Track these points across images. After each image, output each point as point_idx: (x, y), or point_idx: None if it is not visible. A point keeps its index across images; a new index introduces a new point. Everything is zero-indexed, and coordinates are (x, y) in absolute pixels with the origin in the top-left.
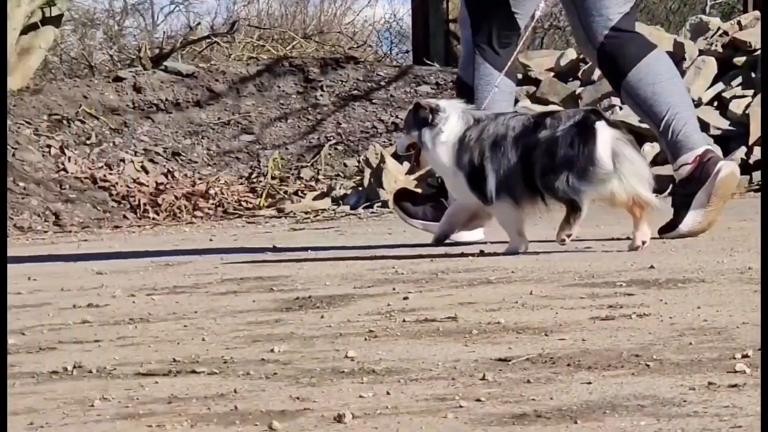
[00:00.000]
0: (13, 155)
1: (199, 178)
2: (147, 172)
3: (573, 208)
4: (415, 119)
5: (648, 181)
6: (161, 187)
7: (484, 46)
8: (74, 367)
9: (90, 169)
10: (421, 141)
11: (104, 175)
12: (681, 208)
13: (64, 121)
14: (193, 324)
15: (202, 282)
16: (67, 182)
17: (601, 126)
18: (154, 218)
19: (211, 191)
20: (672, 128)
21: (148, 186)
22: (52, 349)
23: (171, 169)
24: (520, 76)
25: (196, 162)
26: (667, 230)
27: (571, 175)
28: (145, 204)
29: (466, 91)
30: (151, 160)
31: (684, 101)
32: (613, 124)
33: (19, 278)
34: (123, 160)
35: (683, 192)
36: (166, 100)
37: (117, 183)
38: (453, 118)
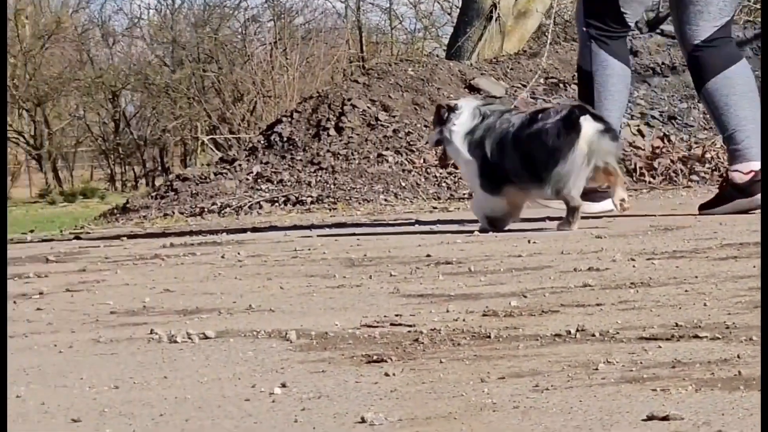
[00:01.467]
0: None
1: (695, 142)
2: (643, 136)
3: (566, 202)
4: (438, 118)
5: (617, 155)
6: (657, 151)
7: (597, 35)
8: (577, 330)
9: None
10: (442, 136)
11: None
12: (723, 198)
13: (561, 85)
14: (693, 289)
15: (701, 247)
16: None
17: (584, 120)
18: (650, 182)
19: (707, 155)
20: (735, 138)
21: (644, 149)
22: (555, 312)
23: (667, 133)
24: None
25: (692, 126)
26: (706, 207)
27: (557, 164)
28: (641, 167)
29: (584, 77)
30: (647, 124)
31: (752, 115)
32: (596, 117)
33: (520, 241)
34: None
35: (730, 191)
36: (663, 63)
37: None
38: (465, 113)
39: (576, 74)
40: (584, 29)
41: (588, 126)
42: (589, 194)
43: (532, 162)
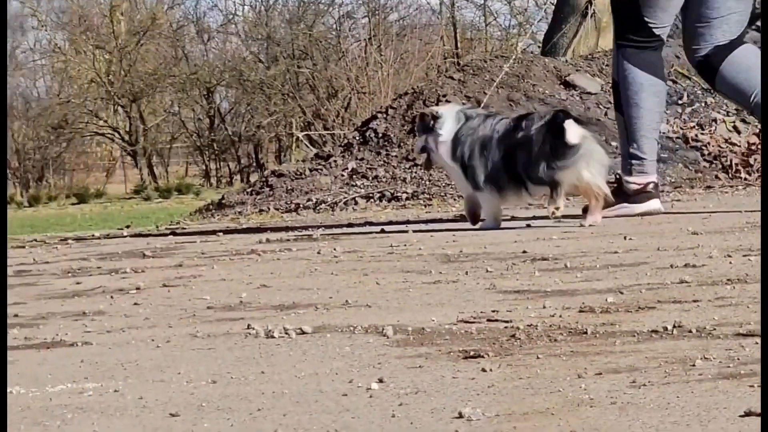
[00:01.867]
0: (606, 114)
1: None
2: (739, 132)
3: (553, 186)
4: (422, 126)
5: (606, 173)
6: (753, 148)
7: (625, 45)
8: (674, 326)
9: (682, 129)
10: (427, 144)
11: (696, 135)
12: None
13: None
14: None
15: None
16: (659, 141)
17: (569, 123)
18: (746, 179)
19: None
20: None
21: (739, 146)
22: (651, 309)
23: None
24: None
25: None
26: None
27: (548, 161)
28: (736, 164)
29: (614, 87)
30: (743, 120)
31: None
32: (580, 121)
33: (616, 237)
34: (715, 120)
35: None
36: None
37: (709, 143)
38: (449, 120)
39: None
40: (616, 41)
41: (574, 128)
42: (633, 195)
43: (516, 164)
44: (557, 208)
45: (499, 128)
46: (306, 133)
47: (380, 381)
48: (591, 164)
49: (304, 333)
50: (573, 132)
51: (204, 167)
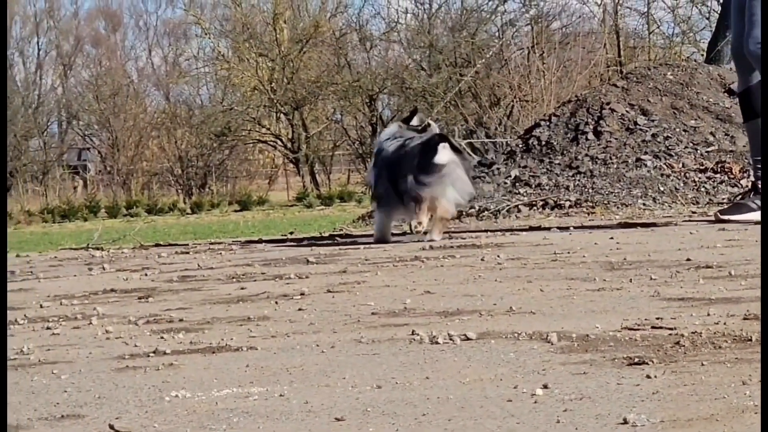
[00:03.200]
0: None
1: None
2: None
3: (417, 201)
4: None
5: (463, 199)
6: None
7: None
8: None
9: None
10: None
11: None
12: None
13: None
14: None
15: None
16: None
17: (442, 146)
18: None
19: None
20: None
21: None
22: None
23: None
24: None
25: None
26: None
27: (415, 177)
28: None
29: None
30: None
31: None
32: (455, 148)
33: None
34: None
35: None
36: None
37: None
38: (385, 133)
39: None
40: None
41: (445, 151)
42: (734, 206)
43: (398, 181)
44: (419, 223)
45: (392, 147)
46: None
47: (545, 387)
48: (450, 187)
49: (468, 339)
50: (442, 154)
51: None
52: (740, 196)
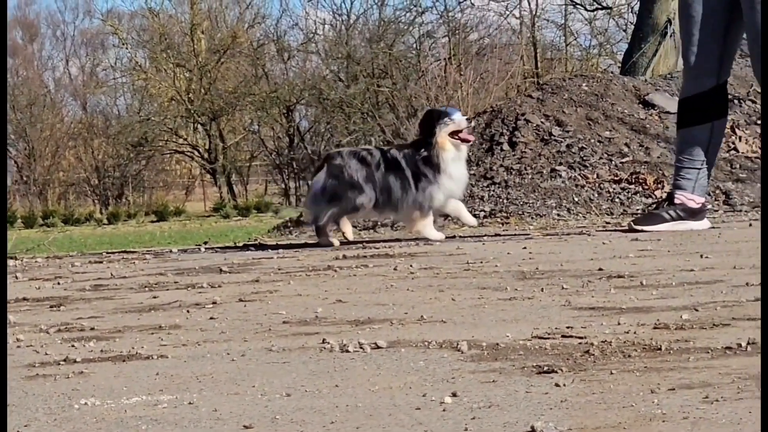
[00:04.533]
0: None
1: None
2: None
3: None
4: None
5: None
6: None
7: None
8: (748, 343)
9: (760, 148)
10: None
11: None
12: None
13: (735, 101)
14: None
15: None
16: (738, 162)
17: (325, 166)
18: None
19: None
20: None
21: None
22: (726, 326)
23: None
24: None
25: None
26: None
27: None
28: None
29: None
30: None
31: None
32: (332, 168)
33: (692, 256)
34: None
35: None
36: None
37: None
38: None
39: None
40: None
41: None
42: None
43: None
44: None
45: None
46: None
47: (454, 395)
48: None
49: (378, 347)
50: (318, 176)
51: (283, 186)
52: (654, 206)
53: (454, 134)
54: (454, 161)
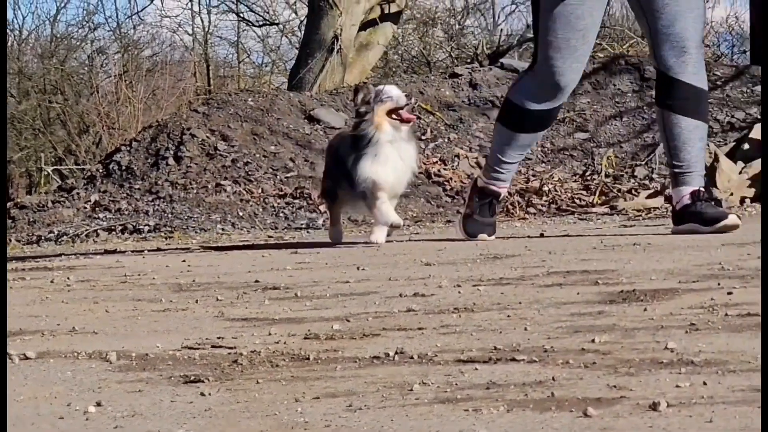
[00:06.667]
0: None
1: (533, 175)
2: (481, 168)
3: None
4: None
5: None
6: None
7: None
8: (396, 352)
9: (425, 164)
10: None
11: (438, 170)
12: None
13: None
14: (516, 314)
15: (528, 274)
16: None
17: None
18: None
19: (545, 188)
20: None
21: None
22: (376, 336)
23: None
24: None
25: (530, 159)
26: None
27: None
28: None
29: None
30: (486, 156)
31: None
32: None
33: (349, 268)
34: (458, 156)
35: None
36: (502, 96)
37: (451, 178)
38: None
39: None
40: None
41: None
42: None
43: None
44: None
45: None
46: (55, 167)
47: (98, 404)
48: None
49: (27, 358)
50: None
51: None
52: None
53: (392, 113)
54: (392, 143)
